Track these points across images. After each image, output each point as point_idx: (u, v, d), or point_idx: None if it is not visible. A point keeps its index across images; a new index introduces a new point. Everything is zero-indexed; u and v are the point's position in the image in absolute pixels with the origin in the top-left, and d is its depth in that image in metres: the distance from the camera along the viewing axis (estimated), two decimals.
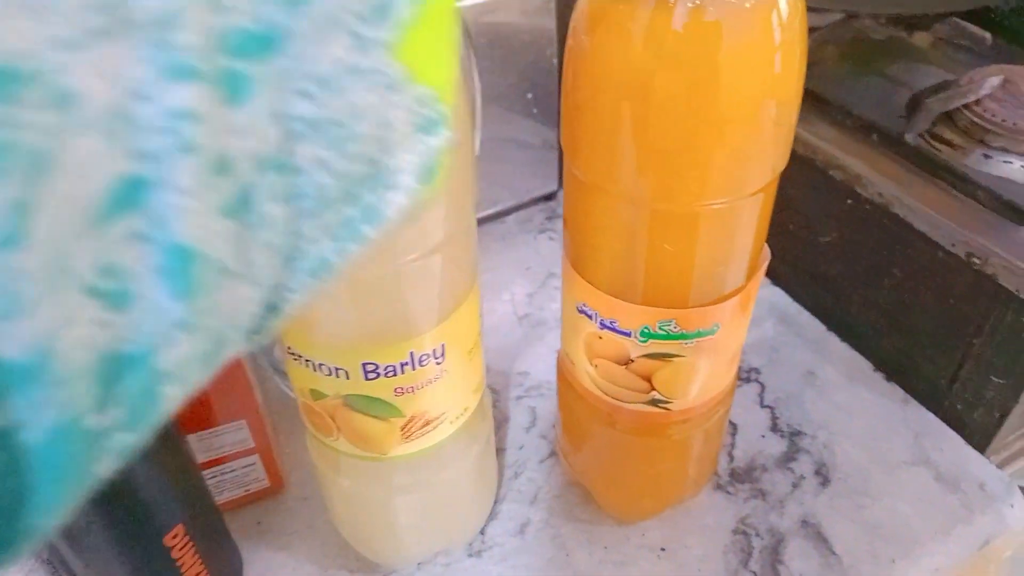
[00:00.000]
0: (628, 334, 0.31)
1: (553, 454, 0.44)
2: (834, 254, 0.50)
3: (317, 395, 0.30)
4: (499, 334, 0.51)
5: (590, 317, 0.32)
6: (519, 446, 0.44)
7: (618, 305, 0.30)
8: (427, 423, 0.31)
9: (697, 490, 0.40)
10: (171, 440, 0.33)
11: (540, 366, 0.49)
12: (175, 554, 0.33)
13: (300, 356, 0.29)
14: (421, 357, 0.28)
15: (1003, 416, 0.43)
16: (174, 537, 0.33)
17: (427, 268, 0.27)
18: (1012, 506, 0.40)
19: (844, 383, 0.47)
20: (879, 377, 0.47)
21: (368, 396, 0.29)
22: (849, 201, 0.47)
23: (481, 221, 0.59)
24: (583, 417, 0.37)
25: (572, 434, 0.39)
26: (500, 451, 0.44)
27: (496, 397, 0.47)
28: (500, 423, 0.45)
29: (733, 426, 0.44)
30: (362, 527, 0.37)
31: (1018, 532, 0.40)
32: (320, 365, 0.28)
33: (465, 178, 0.27)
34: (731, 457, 0.43)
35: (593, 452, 0.38)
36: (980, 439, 0.44)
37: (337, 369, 0.28)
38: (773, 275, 0.54)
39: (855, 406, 0.45)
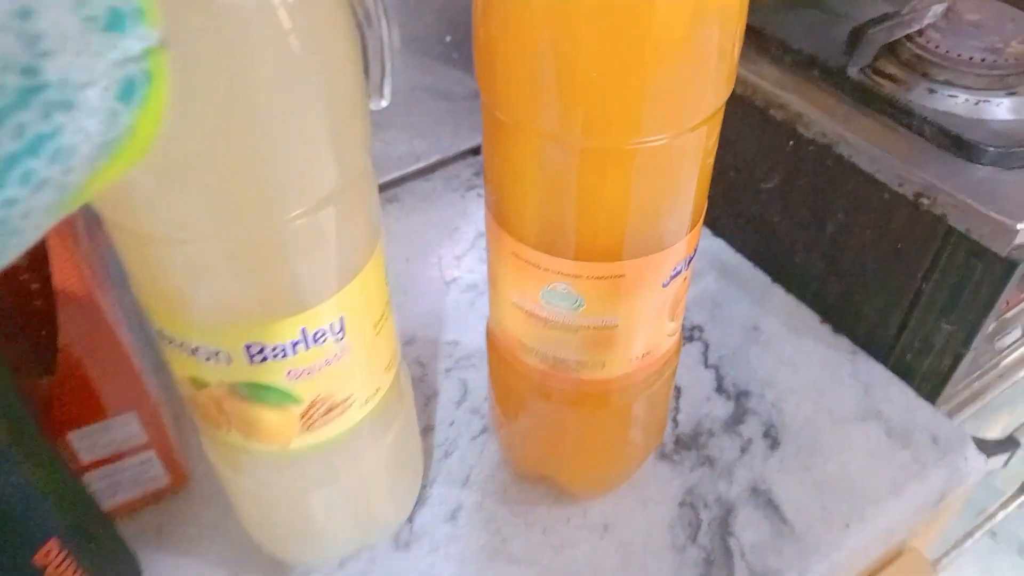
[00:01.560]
0: None
1: (486, 430, 0.40)
2: (776, 200, 0.47)
3: (199, 383, 0.25)
4: (425, 301, 0.47)
5: None
6: (449, 422, 0.40)
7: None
8: (331, 409, 0.27)
9: (642, 463, 0.37)
10: (32, 443, 0.28)
11: (471, 334, 0.45)
12: (50, 573, 0.29)
13: (172, 339, 0.24)
14: (316, 334, 0.24)
15: (954, 364, 0.41)
16: (47, 554, 0.28)
17: (315, 227, 0.22)
18: (966, 459, 0.39)
19: (790, 336, 0.44)
20: (826, 329, 0.45)
21: (257, 382, 0.25)
22: (791, 142, 0.45)
23: (402, 179, 0.54)
24: (516, 389, 0.34)
25: (506, 408, 0.36)
26: (428, 429, 0.40)
27: (423, 370, 0.43)
28: (428, 398, 0.42)
29: (676, 389, 0.42)
30: (273, 528, 0.33)
31: (973, 486, 0.39)
32: (196, 349, 0.24)
33: (353, 115, 0.23)
34: (675, 423, 0.40)
35: (530, 427, 0.35)
36: (931, 389, 0.43)
37: (216, 352, 0.24)
38: (713, 225, 0.51)
39: (802, 360, 0.43)
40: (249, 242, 0.22)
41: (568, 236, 0.26)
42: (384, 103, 0.39)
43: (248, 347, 0.24)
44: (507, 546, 0.36)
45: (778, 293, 0.47)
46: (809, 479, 0.38)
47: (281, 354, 0.24)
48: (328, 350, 0.25)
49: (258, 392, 0.25)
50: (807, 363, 0.43)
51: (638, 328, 0.30)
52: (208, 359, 0.24)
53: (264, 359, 0.24)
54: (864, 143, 0.41)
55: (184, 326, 0.24)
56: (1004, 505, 0.69)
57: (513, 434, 0.36)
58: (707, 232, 0.51)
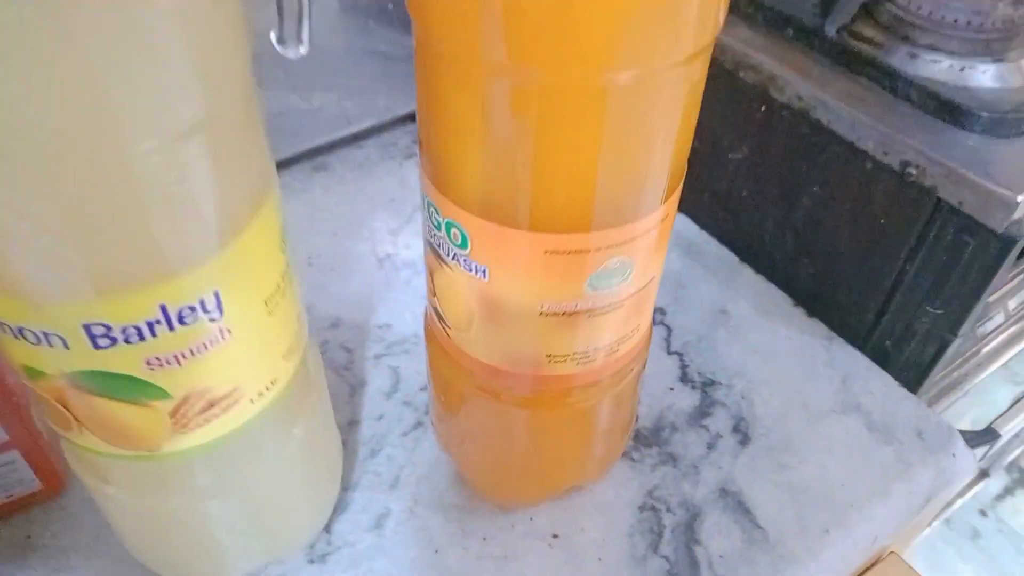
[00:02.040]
0: None
1: (420, 424, 0.35)
2: (745, 172, 0.43)
3: (33, 374, 0.20)
4: (355, 280, 0.41)
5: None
6: (377, 416, 0.35)
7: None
8: (210, 405, 0.22)
9: (604, 471, 0.33)
10: None
11: (405, 316, 0.40)
12: None
13: None
14: (181, 312, 0.19)
15: (939, 352, 0.37)
16: None
17: (173, 167, 0.17)
18: (954, 456, 0.35)
19: (760, 321, 0.40)
20: (799, 313, 0.41)
21: (106, 372, 0.19)
22: (762, 108, 0.40)
23: (332, 146, 0.49)
24: (458, 385, 0.29)
25: (445, 405, 0.31)
26: (353, 424, 0.35)
27: (348, 357, 0.38)
28: (353, 389, 0.36)
29: None
30: (154, 546, 0.27)
31: (961, 485, 0.35)
32: (22, 330, 0.18)
33: (223, 24, 0.17)
34: (635, 416, 0.35)
35: (471, 429, 0.30)
36: (912, 379, 0.39)
37: (47, 335, 0.18)
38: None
39: (774, 347, 0.39)
40: (85, 182, 0.16)
41: (521, 202, 0.21)
42: (303, 50, 0.34)
43: (88, 328, 0.18)
44: (441, 558, 0.31)
45: (747, 274, 0.43)
46: (783, 480, 0.33)
47: (135, 337, 0.19)
48: (200, 333, 0.20)
49: (108, 385, 0.20)
50: (779, 350, 0.39)
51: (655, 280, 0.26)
52: (38, 342, 0.19)
53: (112, 342, 0.19)
54: (844, 108, 0.37)
55: (3, 300, 0.18)
56: (961, 493, 0.67)
57: (453, 434, 0.32)
58: None
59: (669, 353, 0.38)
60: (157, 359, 0.20)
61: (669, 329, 0.39)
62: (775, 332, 0.40)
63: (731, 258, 0.44)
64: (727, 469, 0.34)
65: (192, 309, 0.19)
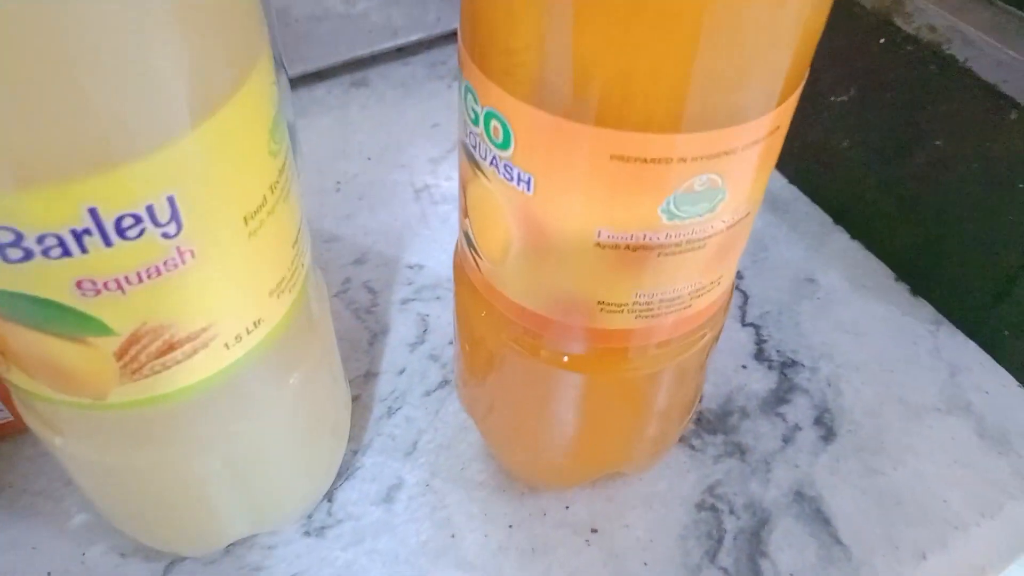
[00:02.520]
0: None
1: (446, 383, 0.30)
2: (849, 118, 0.36)
3: None
4: (386, 212, 0.36)
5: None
6: (399, 370, 0.31)
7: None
8: (170, 347, 0.17)
9: (656, 458, 0.27)
10: None
11: (441, 258, 0.35)
12: None
13: None
14: (120, 221, 0.14)
15: None
16: None
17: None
18: None
19: (854, 296, 0.34)
20: (902, 289, 0.35)
21: (25, 295, 0.15)
22: (882, 40, 0.33)
23: (373, 59, 0.43)
24: (487, 336, 0.23)
25: (471, 361, 0.26)
26: (370, 376, 0.30)
27: (372, 299, 0.33)
28: (375, 336, 0.32)
29: None
30: (120, 509, 0.23)
31: None
32: None
33: None
34: (700, 396, 0.30)
35: (501, 393, 0.25)
36: None
37: None
38: None
39: (869, 327, 0.33)
40: None
41: (591, 88, 0.16)
42: None
43: None
44: (457, 544, 0.26)
45: (841, 239, 0.36)
46: (872, 487, 0.28)
47: (57, 251, 0.14)
48: (149, 251, 0.15)
49: (31, 313, 0.15)
50: (875, 332, 0.33)
51: (755, 215, 0.20)
52: None
53: (26, 257, 0.14)
54: (989, 42, 0.30)
55: None
56: None
57: (479, 397, 0.26)
58: None
59: (744, 324, 0.32)
60: (91, 283, 0.15)
61: (745, 296, 0.34)
62: (871, 310, 0.33)
63: (823, 219, 0.37)
64: (805, 468, 0.28)
65: (136, 218, 0.14)
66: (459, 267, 0.24)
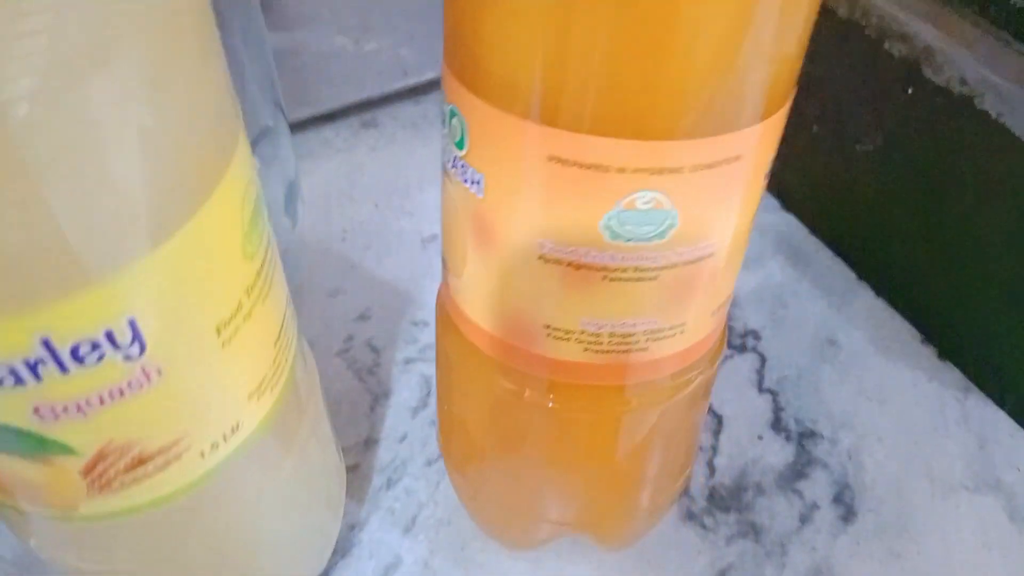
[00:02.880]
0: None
1: None
2: (875, 167, 0.35)
3: None
4: (393, 263, 0.35)
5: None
6: (400, 436, 0.30)
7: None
8: (139, 461, 0.16)
9: (638, 525, 0.26)
10: None
11: None
12: None
13: None
14: (76, 348, 0.13)
15: None
16: None
17: (57, 114, 0.11)
18: None
19: (878, 359, 0.32)
20: (929, 352, 0.33)
21: None
22: (910, 90, 0.32)
23: (384, 100, 0.43)
24: (454, 363, 0.23)
25: (442, 394, 0.25)
26: (369, 443, 0.29)
27: (375, 359, 0.32)
28: (376, 399, 0.31)
29: (716, 419, 0.30)
30: None
31: None
32: None
33: None
34: (711, 469, 0.29)
35: (465, 424, 0.24)
36: None
37: None
38: (783, 194, 0.39)
39: (893, 394, 0.31)
40: None
41: (663, 104, 0.15)
42: None
43: None
44: None
45: (865, 295, 0.35)
46: (896, 572, 0.26)
47: (10, 380, 0.13)
48: (110, 375, 0.14)
49: None
50: (900, 399, 0.31)
51: (735, 252, 0.19)
52: None
53: None
54: (1023, 96, 0.29)
55: None
56: None
57: (450, 440, 0.25)
58: (773, 203, 0.39)
59: (761, 390, 0.31)
60: (49, 408, 0.14)
61: (763, 359, 0.32)
62: (896, 374, 0.32)
63: (846, 273, 0.36)
64: (823, 552, 0.27)
65: (93, 345, 0.13)
66: (440, 304, 0.23)
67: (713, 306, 0.20)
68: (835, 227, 0.37)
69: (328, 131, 0.41)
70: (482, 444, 0.24)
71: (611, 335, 0.19)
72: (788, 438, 0.30)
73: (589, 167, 0.15)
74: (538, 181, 0.16)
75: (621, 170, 0.15)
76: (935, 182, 0.32)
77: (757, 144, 0.16)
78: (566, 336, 0.19)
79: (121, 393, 0.14)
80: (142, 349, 0.14)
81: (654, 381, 0.21)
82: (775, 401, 0.31)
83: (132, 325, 0.13)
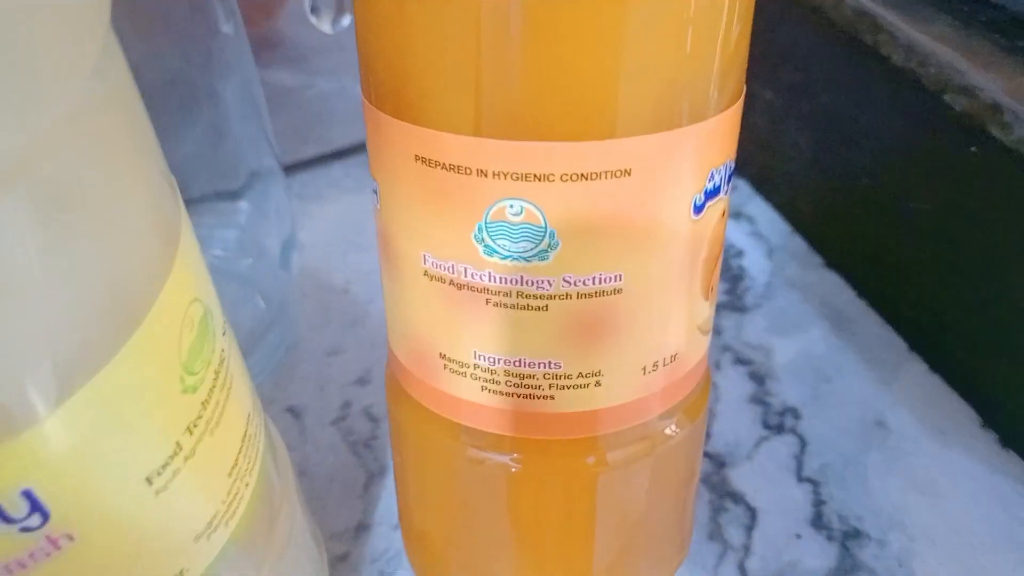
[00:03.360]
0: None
1: None
2: (932, 230, 0.31)
3: None
4: (362, 333, 0.33)
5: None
6: (395, 523, 0.27)
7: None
8: None
9: None
10: None
11: None
12: None
13: None
14: None
15: None
16: None
17: None
18: None
19: (932, 445, 0.29)
20: (990, 438, 0.30)
21: None
22: (973, 148, 0.29)
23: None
24: (432, 463, 0.20)
25: (421, 513, 0.22)
26: (362, 530, 0.26)
27: (373, 429, 0.29)
28: (371, 477, 0.28)
29: (750, 512, 0.27)
30: None
31: None
32: None
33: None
34: (742, 573, 0.26)
35: (453, 524, 0.21)
36: None
37: None
38: (826, 250, 0.36)
39: (949, 487, 0.28)
40: None
41: (520, 98, 0.14)
42: (345, 22, 0.25)
43: None
44: None
45: (918, 370, 0.32)
46: None
47: None
48: (8, 547, 0.11)
49: None
50: (956, 493, 0.28)
51: (657, 297, 0.16)
52: None
53: None
54: None
55: None
56: None
57: (402, 503, 0.23)
58: (815, 260, 0.36)
59: (800, 479, 0.28)
60: None
61: (803, 442, 0.29)
62: (952, 464, 0.29)
63: (897, 344, 0.32)
64: None
65: None
66: (394, 390, 0.21)
67: (643, 360, 0.17)
68: (885, 290, 0.34)
69: (336, 170, 0.39)
70: (440, 532, 0.22)
71: (507, 372, 0.17)
72: (830, 538, 0.26)
73: (451, 169, 0.15)
74: (412, 186, 0.15)
75: (482, 173, 0.14)
76: (999, 249, 0.29)
77: (655, 160, 0.14)
78: (461, 369, 0.17)
79: (22, 565, 0.12)
80: (45, 518, 0.11)
81: (637, 424, 0.18)
82: (816, 493, 0.27)
83: (28, 495, 0.11)
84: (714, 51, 0.14)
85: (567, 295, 0.15)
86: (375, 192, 0.17)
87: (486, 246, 0.15)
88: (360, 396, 0.30)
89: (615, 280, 0.15)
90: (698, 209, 0.16)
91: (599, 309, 0.16)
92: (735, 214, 0.38)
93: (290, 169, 0.38)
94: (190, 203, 0.15)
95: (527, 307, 0.16)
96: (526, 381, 0.17)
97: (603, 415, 0.18)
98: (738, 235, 0.37)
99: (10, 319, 0.10)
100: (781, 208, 0.39)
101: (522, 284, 0.15)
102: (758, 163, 0.40)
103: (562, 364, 0.16)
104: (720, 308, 0.34)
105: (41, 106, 0.09)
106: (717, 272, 0.18)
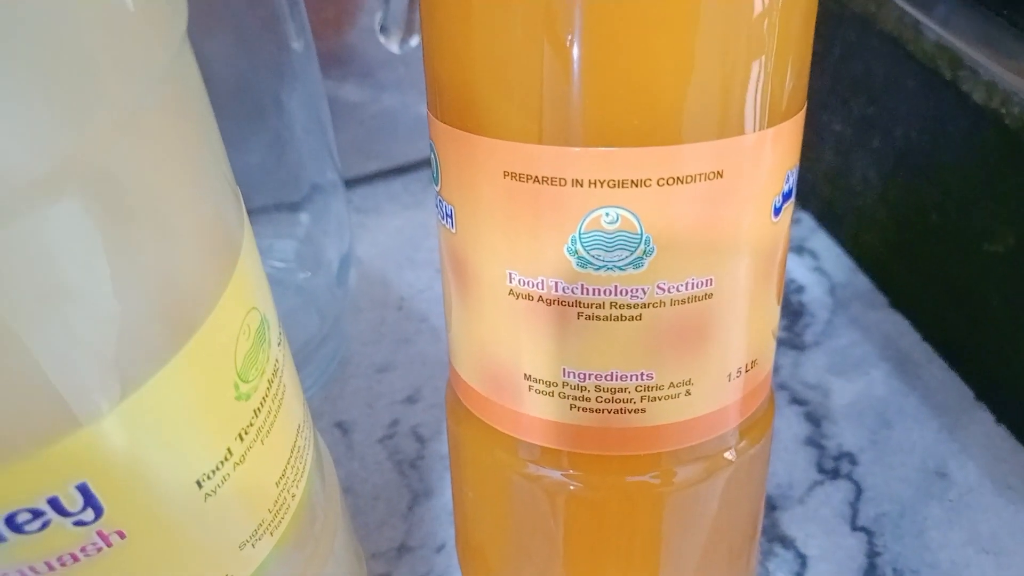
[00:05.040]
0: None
1: None
2: (1005, 272, 0.30)
3: None
4: (413, 351, 0.33)
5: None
6: (438, 546, 0.27)
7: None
8: None
9: None
10: None
11: None
12: None
13: None
14: (12, 517, 0.11)
15: None
16: None
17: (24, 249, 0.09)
18: None
19: (997, 500, 0.28)
20: None
21: None
22: None
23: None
24: (457, 433, 0.21)
25: (474, 526, 0.22)
26: (404, 551, 0.26)
27: (419, 449, 0.29)
28: (416, 497, 0.28)
29: (800, 559, 0.26)
30: None
31: None
32: None
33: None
34: (754, 557, 0.25)
35: (523, 550, 0.21)
36: None
37: None
38: (891, 289, 0.35)
39: (1014, 546, 0.27)
40: None
41: (616, 106, 0.14)
42: (413, 42, 0.25)
43: None
44: None
45: (984, 420, 0.30)
46: None
47: None
48: (60, 540, 0.11)
49: None
50: (1021, 553, 0.26)
51: (743, 300, 0.16)
52: None
53: None
54: None
55: None
56: None
57: (464, 541, 0.23)
58: (880, 299, 0.35)
59: (854, 528, 0.27)
60: None
61: (858, 489, 0.28)
62: (1017, 521, 0.27)
63: (963, 391, 0.31)
64: None
65: (34, 512, 0.11)
66: (455, 412, 0.21)
67: (728, 367, 0.17)
68: (952, 334, 0.33)
69: (396, 185, 0.39)
70: (499, 550, 0.22)
71: (598, 388, 0.16)
72: None
73: (543, 181, 0.14)
74: (498, 203, 0.15)
75: (578, 183, 0.14)
76: None
77: (744, 161, 0.14)
78: (548, 389, 0.17)
79: (74, 559, 0.12)
80: (98, 513, 0.11)
81: (672, 455, 0.18)
82: (870, 543, 0.26)
83: (83, 490, 0.11)
84: (790, 55, 0.15)
85: (661, 303, 0.15)
86: (449, 216, 0.17)
87: (580, 258, 0.15)
88: (408, 415, 0.30)
89: (707, 285, 0.15)
90: (777, 211, 0.16)
91: (691, 315, 0.16)
92: (797, 248, 0.38)
93: (350, 183, 0.38)
94: (251, 213, 0.15)
95: (620, 318, 0.16)
96: (618, 395, 0.17)
97: (690, 426, 0.17)
98: (800, 270, 0.36)
99: (72, 320, 0.10)
100: (846, 244, 0.38)
101: (616, 294, 0.15)
102: (824, 196, 0.39)
103: (655, 375, 0.16)
104: (778, 345, 0.33)
105: (102, 105, 0.09)
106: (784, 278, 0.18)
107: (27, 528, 0.11)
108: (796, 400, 0.31)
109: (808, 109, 0.17)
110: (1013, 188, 0.29)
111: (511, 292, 0.16)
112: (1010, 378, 0.30)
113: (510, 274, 0.16)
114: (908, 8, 0.31)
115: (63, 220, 0.09)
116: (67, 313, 0.10)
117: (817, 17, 0.16)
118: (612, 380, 0.16)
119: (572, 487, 0.19)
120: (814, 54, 0.16)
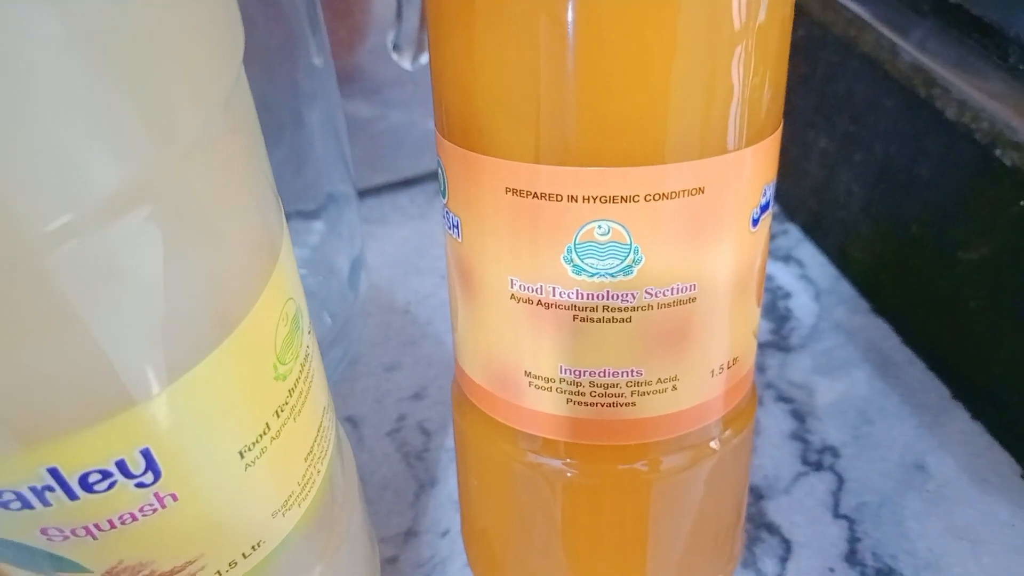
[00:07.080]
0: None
1: None
2: (980, 279, 0.32)
3: None
4: (419, 352, 0.34)
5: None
6: (442, 531, 0.28)
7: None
8: None
9: None
10: None
11: None
12: None
13: None
14: (85, 477, 0.12)
15: None
16: None
17: (78, 264, 0.10)
18: None
19: (973, 492, 0.29)
20: None
21: None
22: (1022, 202, 0.29)
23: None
24: (463, 428, 0.22)
25: (478, 513, 0.24)
26: (411, 536, 0.28)
27: (425, 442, 0.31)
28: (422, 487, 0.29)
29: (785, 544, 0.28)
30: None
31: None
32: None
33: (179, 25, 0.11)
34: (739, 541, 0.26)
35: (484, 501, 0.23)
36: None
37: None
38: (873, 295, 0.37)
39: (988, 535, 0.28)
40: None
41: (610, 130, 0.15)
42: (424, 59, 0.27)
43: None
44: None
45: (960, 417, 0.32)
46: None
47: (15, 504, 0.12)
48: (123, 500, 0.13)
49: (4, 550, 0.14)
50: (995, 542, 0.28)
51: (724, 303, 0.18)
52: None
53: None
54: None
55: None
56: None
57: (468, 526, 0.25)
58: (863, 305, 0.36)
59: (836, 516, 0.28)
60: (58, 531, 0.13)
61: (840, 480, 0.30)
62: (992, 512, 0.29)
63: (941, 390, 0.33)
64: None
65: (104, 473, 0.13)
66: (462, 407, 0.22)
67: (711, 364, 0.19)
68: (931, 337, 0.34)
69: (403, 197, 0.41)
70: (503, 537, 0.23)
71: (592, 384, 0.18)
72: (863, 574, 0.27)
73: (542, 197, 0.16)
74: (500, 216, 0.17)
75: (573, 198, 0.16)
76: None
77: (724, 178, 0.16)
78: (547, 384, 0.19)
79: (133, 517, 0.14)
80: (156, 477, 0.13)
81: (660, 444, 0.20)
82: (851, 530, 0.28)
83: (146, 455, 0.13)
84: (765, 82, 0.16)
85: (649, 306, 0.17)
86: (456, 227, 0.18)
87: (575, 266, 0.17)
88: (415, 410, 0.32)
89: (690, 290, 0.17)
90: (755, 222, 0.17)
91: (677, 317, 0.17)
92: (785, 257, 0.39)
93: (360, 194, 0.40)
94: None
95: (612, 320, 0.17)
96: (610, 390, 0.18)
97: (677, 418, 0.19)
98: (787, 278, 0.38)
99: (138, 314, 0.12)
100: (831, 253, 0.40)
101: (608, 299, 0.17)
102: (810, 209, 0.41)
103: (643, 371, 0.18)
104: (765, 347, 0.35)
105: (180, 127, 0.11)
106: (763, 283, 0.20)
107: (96, 488, 0.13)
108: (783, 398, 0.32)
109: (794, 127, 0.18)
110: (985, 199, 0.31)
111: (512, 297, 0.18)
112: (986, 377, 0.32)
113: (512, 280, 0.17)
114: (886, 32, 0.33)
115: (135, 229, 0.11)
116: (133, 309, 0.12)
117: (801, 41, 0.18)
118: (605, 376, 0.18)
119: (569, 474, 0.21)
120: (800, 75, 0.18)
